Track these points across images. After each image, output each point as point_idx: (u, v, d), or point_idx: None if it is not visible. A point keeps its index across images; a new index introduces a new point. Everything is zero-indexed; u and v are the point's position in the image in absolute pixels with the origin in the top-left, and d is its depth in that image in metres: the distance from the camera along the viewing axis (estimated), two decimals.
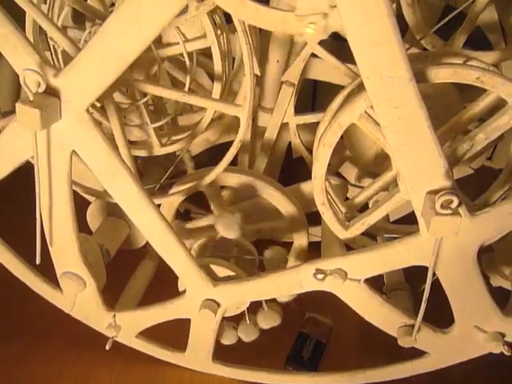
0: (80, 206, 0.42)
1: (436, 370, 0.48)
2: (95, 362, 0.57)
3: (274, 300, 0.48)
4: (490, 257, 0.51)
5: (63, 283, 0.47)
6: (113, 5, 0.46)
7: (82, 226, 0.44)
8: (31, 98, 0.32)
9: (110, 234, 0.54)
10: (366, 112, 0.35)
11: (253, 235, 0.54)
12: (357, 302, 0.43)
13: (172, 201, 0.51)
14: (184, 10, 0.40)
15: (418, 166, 0.33)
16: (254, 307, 0.49)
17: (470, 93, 0.39)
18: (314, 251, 0.53)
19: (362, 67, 0.30)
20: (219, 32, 0.44)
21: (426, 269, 0.39)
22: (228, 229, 0.45)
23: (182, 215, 0.69)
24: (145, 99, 0.45)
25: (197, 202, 0.65)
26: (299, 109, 0.61)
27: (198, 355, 0.53)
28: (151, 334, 0.53)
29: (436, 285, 0.41)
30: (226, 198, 0.56)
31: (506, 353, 0.42)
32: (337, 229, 0.42)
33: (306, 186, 0.54)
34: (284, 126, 0.60)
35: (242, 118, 0.40)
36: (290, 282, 0.43)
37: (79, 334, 0.55)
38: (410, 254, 0.39)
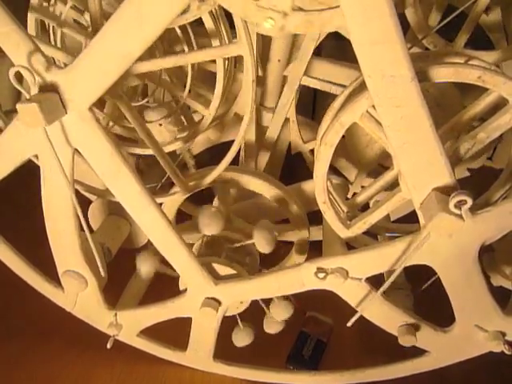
0: (82, 204, 0.42)
1: (436, 369, 0.48)
2: (96, 361, 0.57)
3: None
4: (490, 256, 0.51)
5: (65, 282, 0.47)
6: None
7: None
8: (27, 97, 0.32)
9: (112, 232, 0.54)
10: (367, 111, 0.35)
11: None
12: (358, 300, 0.43)
13: (173, 200, 0.51)
14: (185, 10, 0.40)
15: (420, 164, 0.33)
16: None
17: (472, 92, 0.39)
18: (315, 250, 0.53)
19: (364, 66, 0.30)
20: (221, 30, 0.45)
21: (427, 268, 0.40)
22: (267, 244, 0.45)
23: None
24: (146, 99, 0.45)
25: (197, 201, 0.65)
26: (300, 108, 0.61)
27: (199, 354, 0.53)
28: (152, 332, 0.53)
29: (437, 284, 0.41)
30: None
31: (507, 352, 0.42)
32: (338, 228, 0.42)
33: (307, 185, 0.54)
34: (285, 125, 0.60)
35: (245, 56, 0.38)
36: (292, 280, 0.43)
37: (80, 333, 0.56)
38: (411, 252, 0.38)
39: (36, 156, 0.39)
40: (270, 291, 0.45)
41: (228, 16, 0.44)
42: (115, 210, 0.55)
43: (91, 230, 0.55)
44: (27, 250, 0.50)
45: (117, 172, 0.38)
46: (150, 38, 0.31)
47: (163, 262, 0.45)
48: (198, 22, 0.44)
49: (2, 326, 0.59)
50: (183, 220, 0.59)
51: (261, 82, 0.57)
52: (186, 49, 0.44)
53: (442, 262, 0.39)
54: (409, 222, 0.51)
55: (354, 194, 0.55)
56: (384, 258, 0.40)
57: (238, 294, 0.46)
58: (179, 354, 0.55)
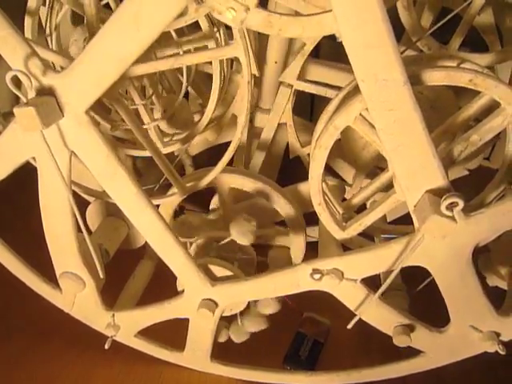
0: (79, 206, 0.43)
1: (432, 369, 0.49)
2: (95, 361, 0.57)
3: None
4: (486, 257, 0.51)
5: (63, 283, 0.47)
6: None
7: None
8: (24, 100, 0.32)
9: (109, 234, 0.55)
10: (361, 114, 0.35)
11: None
12: (353, 301, 0.43)
13: (171, 201, 0.52)
14: (183, 12, 0.40)
15: (413, 167, 0.34)
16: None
17: (467, 94, 0.40)
18: (311, 251, 0.53)
19: (357, 70, 0.30)
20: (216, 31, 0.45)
21: (422, 269, 0.40)
22: (243, 235, 0.46)
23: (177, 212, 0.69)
24: (147, 99, 0.45)
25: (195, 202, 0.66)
26: (298, 110, 0.61)
27: (196, 354, 0.54)
28: (150, 333, 0.54)
29: (432, 285, 0.42)
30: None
31: (501, 352, 0.42)
32: (334, 229, 0.42)
33: (303, 187, 0.55)
34: (282, 127, 0.61)
35: (241, 57, 0.39)
36: (288, 281, 0.43)
37: (79, 334, 0.56)
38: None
39: (34, 158, 0.39)
40: (266, 292, 0.46)
41: None
42: (113, 212, 0.56)
43: (89, 232, 0.55)
44: (25, 251, 0.50)
45: (113, 174, 0.39)
46: (147, 41, 0.32)
47: (160, 262, 0.46)
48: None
49: (2, 326, 0.59)
50: None
51: (257, 83, 0.57)
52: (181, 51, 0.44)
53: (436, 263, 0.39)
54: (405, 223, 0.51)
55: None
56: (379, 259, 0.40)
57: (235, 296, 0.47)
58: (177, 355, 0.55)
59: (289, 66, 0.55)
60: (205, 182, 0.47)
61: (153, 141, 0.44)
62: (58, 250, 0.45)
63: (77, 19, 0.51)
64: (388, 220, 0.61)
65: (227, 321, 0.52)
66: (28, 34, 0.46)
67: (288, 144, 0.64)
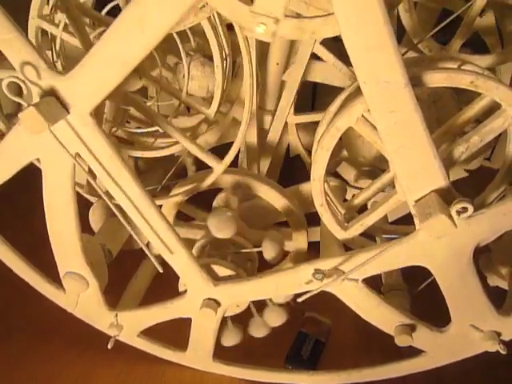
0: (82, 206, 0.43)
1: (432, 369, 0.49)
2: (96, 361, 0.57)
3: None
4: (487, 257, 0.51)
5: (66, 283, 0.48)
6: None
7: (84, 226, 0.44)
8: (25, 104, 0.33)
9: (112, 234, 0.55)
10: (363, 116, 0.35)
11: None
12: (355, 301, 0.44)
13: (173, 201, 0.52)
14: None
15: (414, 168, 0.34)
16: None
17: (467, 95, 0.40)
18: (313, 251, 0.53)
19: (359, 72, 0.30)
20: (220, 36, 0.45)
21: (423, 269, 0.40)
22: (220, 230, 0.45)
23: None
24: (152, 101, 0.46)
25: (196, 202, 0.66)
26: (299, 109, 0.61)
27: (198, 354, 0.54)
28: (152, 333, 0.54)
29: (433, 285, 0.42)
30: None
31: (502, 351, 0.42)
32: (335, 230, 0.43)
33: (305, 187, 0.55)
34: (283, 128, 0.61)
35: (244, 60, 0.38)
36: (290, 281, 0.44)
37: (79, 334, 0.56)
38: (407, 254, 0.39)
39: (37, 159, 0.40)
40: (268, 292, 0.46)
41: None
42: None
43: (92, 232, 0.56)
44: (27, 251, 0.50)
45: (117, 175, 0.39)
46: (151, 44, 0.32)
47: (163, 262, 0.46)
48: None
49: (2, 326, 0.59)
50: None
51: (260, 85, 0.58)
52: (183, 55, 0.45)
53: (437, 263, 0.39)
54: (406, 223, 0.52)
55: (353, 195, 0.56)
56: (380, 259, 0.40)
57: (237, 295, 0.47)
58: (179, 354, 0.55)
59: (290, 67, 0.56)
60: (208, 182, 0.48)
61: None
62: (61, 250, 0.45)
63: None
64: (389, 220, 0.61)
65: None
66: (31, 36, 0.47)
67: (288, 143, 0.64)
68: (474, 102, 0.36)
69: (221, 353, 0.54)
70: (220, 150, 0.62)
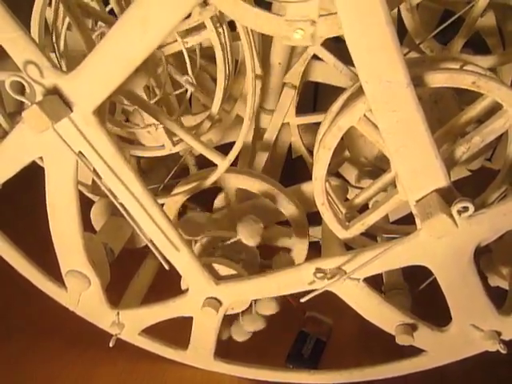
0: (85, 205, 0.43)
1: (433, 367, 0.49)
2: (97, 360, 0.57)
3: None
4: (488, 257, 0.51)
5: (68, 281, 0.48)
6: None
7: (86, 225, 0.45)
8: (28, 103, 0.33)
9: (114, 232, 0.55)
10: (365, 115, 0.36)
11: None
12: (356, 300, 0.44)
13: (175, 200, 0.52)
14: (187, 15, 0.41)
15: (416, 167, 0.34)
16: None
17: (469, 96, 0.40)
18: (314, 251, 0.54)
19: (361, 72, 0.31)
20: (221, 34, 0.45)
21: (424, 268, 0.40)
22: (250, 237, 0.46)
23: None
24: (155, 99, 0.46)
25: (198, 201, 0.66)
26: (301, 110, 0.62)
27: (199, 352, 0.54)
28: (154, 331, 0.54)
29: (434, 284, 0.42)
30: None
31: (502, 351, 0.42)
32: (337, 229, 0.43)
33: (306, 187, 0.55)
34: (285, 127, 0.61)
35: (244, 124, 0.40)
36: (291, 281, 0.44)
37: (80, 333, 0.56)
38: (408, 253, 0.39)
39: (40, 158, 0.40)
40: (269, 291, 0.46)
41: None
42: (117, 211, 0.56)
43: (94, 231, 0.56)
44: (30, 250, 0.51)
45: (120, 174, 0.39)
46: (155, 43, 0.32)
47: (165, 260, 0.46)
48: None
49: (2, 326, 0.59)
50: None
51: (261, 84, 0.58)
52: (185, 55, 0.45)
53: (438, 262, 0.39)
54: (407, 223, 0.52)
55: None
56: (382, 258, 0.40)
57: (239, 294, 0.47)
58: (180, 353, 0.56)
59: (292, 67, 0.56)
60: (210, 181, 0.48)
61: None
62: (63, 248, 0.45)
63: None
64: (390, 220, 0.61)
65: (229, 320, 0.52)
66: (34, 35, 0.47)
67: (291, 144, 0.65)
68: (476, 102, 0.36)
69: (222, 351, 0.54)
70: (220, 151, 0.63)
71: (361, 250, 0.41)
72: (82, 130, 0.36)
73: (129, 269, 0.59)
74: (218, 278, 0.46)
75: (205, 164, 0.51)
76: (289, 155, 0.66)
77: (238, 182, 0.50)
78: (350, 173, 0.63)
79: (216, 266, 0.47)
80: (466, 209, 0.33)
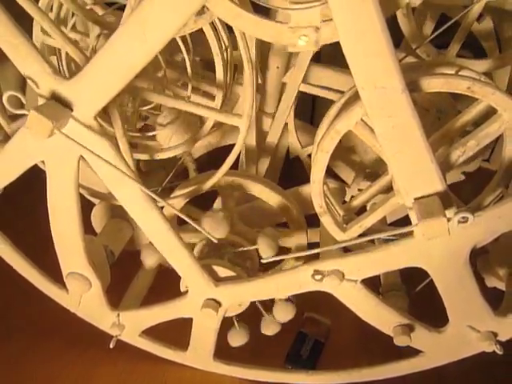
0: (85, 207, 0.44)
1: (431, 368, 0.49)
2: (97, 361, 0.58)
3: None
4: (485, 258, 0.52)
5: (69, 283, 0.48)
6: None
7: (86, 227, 0.45)
8: (27, 113, 0.33)
9: (114, 235, 0.56)
10: (362, 119, 0.36)
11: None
12: (354, 302, 0.44)
13: (174, 203, 0.53)
14: None
15: (412, 171, 0.35)
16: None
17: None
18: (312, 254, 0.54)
19: (357, 77, 0.31)
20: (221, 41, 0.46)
21: (421, 270, 0.41)
22: (270, 248, 0.46)
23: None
24: (151, 105, 0.46)
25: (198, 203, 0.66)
26: (299, 112, 0.62)
27: (199, 353, 0.55)
28: (154, 332, 0.55)
29: (431, 285, 0.42)
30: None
31: (498, 352, 0.43)
32: (334, 231, 0.43)
33: (304, 189, 0.56)
34: (283, 130, 0.62)
35: (242, 129, 0.41)
36: (289, 282, 0.44)
37: (80, 333, 0.57)
38: (405, 255, 0.40)
39: (42, 161, 0.40)
40: (268, 293, 0.47)
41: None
42: (117, 213, 0.57)
43: (94, 233, 0.56)
44: (31, 251, 0.51)
45: (120, 177, 0.40)
46: (154, 50, 0.33)
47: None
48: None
49: (3, 326, 0.60)
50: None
51: (260, 88, 0.58)
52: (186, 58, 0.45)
53: (434, 264, 0.40)
54: (404, 225, 0.52)
55: (352, 197, 0.56)
56: (379, 260, 0.41)
57: (238, 296, 0.47)
58: (180, 354, 0.56)
59: (290, 70, 0.56)
60: (209, 184, 0.48)
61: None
62: (64, 250, 0.46)
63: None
64: (388, 222, 0.61)
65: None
66: (36, 41, 0.48)
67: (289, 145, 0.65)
68: (471, 106, 0.36)
69: (221, 352, 0.55)
70: (221, 152, 0.63)
71: (358, 251, 0.41)
72: (82, 135, 0.37)
73: (129, 270, 0.59)
74: (218, 280, 0.47)
75: (204, 167, 0.51)
76: (287, 157, 0.66)
77: (237, 184, 0.51)
78: (347, 174, 0.63)
79: (215, 267, 0.47)
80: (465, 219, 0.34)
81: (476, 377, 0.57)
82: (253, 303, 0.49)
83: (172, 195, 0.51)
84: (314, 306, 0.62)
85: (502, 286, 0.51)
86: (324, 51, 0.57)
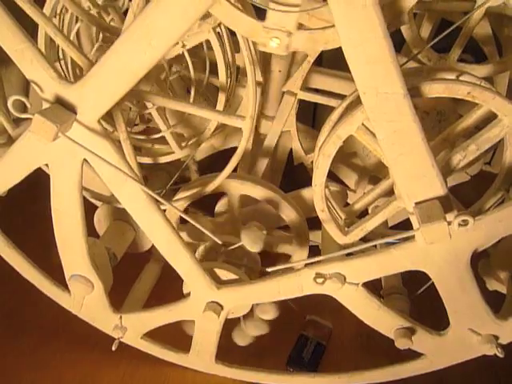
0: (87, 210, 0.44)
1: (433, 371, 0.50)
2: (99, 363, 0.58)
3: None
4: (486, 261, 0.52)
5: (72, 285, 0.48)
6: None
7: (89, 230, 0.45)
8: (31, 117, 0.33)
9: (117, 237, 0.56)
10: (363, 124, 0.36)
11: None
12: (355, 304, 0.45)
13: (177, 206, 0.53)
14: None
15: (413, 175, 0.35)
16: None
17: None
18: (314, 255, 0.54)
19: (359, 83, 0.31)
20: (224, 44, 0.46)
21: (422, 273, 0.41)
22: (254, 243, 0.47)
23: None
24: (154, 107, 0.47)
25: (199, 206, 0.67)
26: (301, 117, 0.62)
27: (201, 356, 0.55)
28: (156, 335, 0.55)
29: (432, 288, 0.43)
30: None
31: (499, 354, 0.43)
32: (336, 234, 0.43)
33: (306, 192, 0.56)
34: (286, 134, 0.62)
35: (245, 130, 0.42)
36: (291, 285, 0.45)
37: (82, 335, 0.57)
38: (406, 259, 0.40)
39: (46, 164, 0.41)
40: (270, 296, 0.47)
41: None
42: (120, 216, 0.57)
43: (96, 236, 0.57)
44: (33, 253, 0.51)
45: (123, 180, 0.40)
46: (159, 55, 0.33)
47: (165, 265, 0.47)
48: None
49: (8, 327, 0.60)
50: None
51: (262, 91, 0.59)
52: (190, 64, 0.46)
53: (435, 268, 0.40)
54: (406, 228, 0.52)
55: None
56: (380, 264, 0.41)
57: (240, 299, 0.48)
58: (182, 356, 0.56)
59: (292, 75, 0.57)
60: (211, 187, 0.49)
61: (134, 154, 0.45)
62: (68, 253, 0.46)
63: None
64: (389, 225, 0.62)
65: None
66: (41, 45, 0.48)
67: (291, 150, 0.65)
68: (472, 111, 0.37)
69: (223, 355, 0.55)
70: (220, 153, 0.64)
71: (360, 255, 0.42)
72: (86, 138, 0.37)
73: (131, 273, 0.59)
74: (220, 283, 0.47)
75: (206, 170, 0.52)
76: (289, 161, 0.67)
77: (240, 187, 0.51)
78: (349, 178, 0.63)
79: (217, 270, 0.48)
80: (465, 222, 0.34)
81: (478, 380, 0.57)
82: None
83: (175, 198, 0.52)
84: (316, 309, 0.63)
85: (502, 289, 0.51)
86: (325, 55, 0.57)
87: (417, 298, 0.50)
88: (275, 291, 0.46)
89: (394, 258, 0.40)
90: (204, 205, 0.56)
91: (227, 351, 0.54)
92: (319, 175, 0.41)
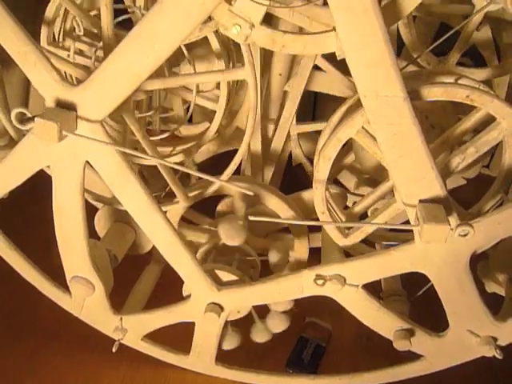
0: (88, 212, 0.44)
1: (433, 372, 0.50)
2: (100, 364, 0.58)
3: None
4: (485, 263, 0.52)
5: (73, 287, 0.49)
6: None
7: (89, 231, 0.45)
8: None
9: (118, 239, 0.56)
10: (363, 127, 0.37)
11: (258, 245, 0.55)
12: (355, 306, 0.45)
13: (177, 207, 0.53)
14: None
15: (413, 177, 0.35)
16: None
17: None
18: (314, 257, 0.54)
19: (360, 86, 0.32)
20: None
21: (421, 275, 0.41)
22: (230, 237, 0.46)
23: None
24: (154, 110, 0.47)
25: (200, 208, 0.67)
26: (300, 118, 0.63)
27: (201, 358, 0.55)
28: (156, 336, 0.55)
29: (432, 291, 0.43)
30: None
31: (498, 356, 0.43)
32: (336, 236, 0.44)
33: (306, 194, 0.56)
34: (285, 137, 0.62)
35: (248, 78, 0.39)
36: (292, 287, 0.45)
37: (83, 337, 0.57)
38: (406, 260, 0.40)
39: (48, 166, 0.41)
40: (270, 297, 0.47)
41: None
42: (120, 218, 0.57)
43: (97, 237, 0.57)
44: (34, 255, 0.51)
45: (125, 182, 0.40)
46: (162, 58, 0.33)
47: (166, 267, 0.47)
48: None
49: (9, 329, 0.60)
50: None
51: (263, 94, 0.59)
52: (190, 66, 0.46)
53: (435, 270, 0.40)
54: (405, 230, 0.53)
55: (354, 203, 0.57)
56: (380, 265, 0.41)
57: (240, 300, 0.48)
58: (182, 358, 0.56)
59: (293, 77, 0.57)
60: (211, 190, 0.49)
61: (157, 150, 0.45)
62: (69, 254, 0.46)
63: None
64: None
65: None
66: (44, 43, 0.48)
67: (291, 152, 0.66)
68: (470, 114, 0.37)
69: (223, 357, 0.55)
70: (220, 154, 0.64)
71: (359, 256, 0.42)
72: (89, 141, 0.37)
73: (131, 275, 0.59)
74: (220, 284, 0.47)
75: (207, 172, 0.52)
76: (289, 163, 0.67)
77: (238, 189, 0.51)
78: (349, 180, 0.64)
79: (218, 272, 0.48)
80: (465, 231, 0.34)
81: (477, 381, 0.57)
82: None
83: (175, 200, 0.52)
84: (316, 311, 0.63)
85: (501, 291, 0.51)
86: (326, 55, 0.57)
87: (416, 299, 0.50)
88: (275, 292, 0.46)
89: (393, 260, 0.40)
90: (204, 205, 0.57)
91: (227, 353, 0.54)
92: (319, 178, 0.41)
